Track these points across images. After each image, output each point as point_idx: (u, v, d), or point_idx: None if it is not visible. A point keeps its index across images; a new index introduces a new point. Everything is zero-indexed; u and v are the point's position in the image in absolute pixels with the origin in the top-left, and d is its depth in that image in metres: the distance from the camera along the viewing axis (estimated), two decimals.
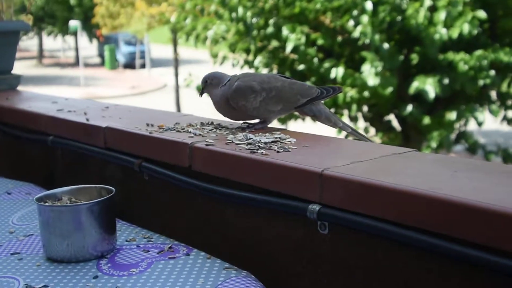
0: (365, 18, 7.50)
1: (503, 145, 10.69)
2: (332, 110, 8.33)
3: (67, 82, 26.97)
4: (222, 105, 1.95)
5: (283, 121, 8.71)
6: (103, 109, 2.51)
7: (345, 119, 8.66)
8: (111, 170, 2.21)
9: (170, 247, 1.67)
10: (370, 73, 7.49)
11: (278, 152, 1.61)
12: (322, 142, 1.78)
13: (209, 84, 1.97)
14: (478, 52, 7.37)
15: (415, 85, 7.46)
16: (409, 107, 7.95)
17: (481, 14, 7.16)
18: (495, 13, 7.98)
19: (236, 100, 1.89)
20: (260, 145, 1.67)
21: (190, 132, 1.90)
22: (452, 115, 7.87)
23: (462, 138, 9.13)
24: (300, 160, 1.51)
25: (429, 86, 7.30)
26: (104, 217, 1.63)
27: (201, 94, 2.05)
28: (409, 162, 1.51)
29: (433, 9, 7.47)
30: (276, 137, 1.75)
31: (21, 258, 1.64)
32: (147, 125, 2.05)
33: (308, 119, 7.89)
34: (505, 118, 9.00)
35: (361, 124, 9.22)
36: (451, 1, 7.20)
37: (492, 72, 7.47)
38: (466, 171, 1.40)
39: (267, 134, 1.81)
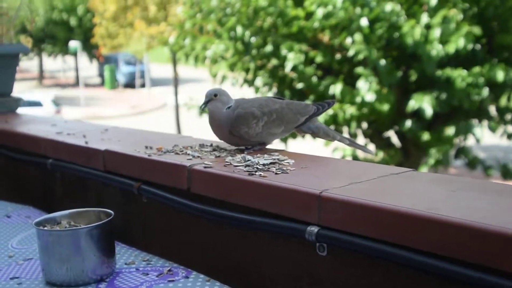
0: (358, 36, 7.53)
1: (502, 159, 10.70)
2: (332, 127, 8.34)
3: (68, 103, 27.02)
4: (224, 133, 1.92)
5: (284, 140, 8.72)
6: (102, 132, 2.51)
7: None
8: (110, 193, 2.21)
9: (169, 270, 1.67)
10: (365, 89, 7.52)
11: (276, 173, 1.61)
12: (321, 163, 1.79)
13: (217, 99, 1.90)
14: (476, 69, 7.40)
15: (412, 103, 7.49)
16: (408, 123, 7.96)
17: (476, 30, 7.20)
18: (492, 29, 8.02)
19: (238, 128, 1.88)
20: (259, 167, 1.67)
21: (188, 154, 1.90)
22: (451, 131, 7.89)
23: (461, 153, 9.14)
24: (299, 182, 1.51)
25: (427, 104, 7.33)
26: (103, 240, 1.63)
27: (203, 107, 1.93)
28: (407, 182, 1.51)
29: (428, 26, 7.51)
30: (274, 159, 1.75)
31: (21, 283, 1.64)
32: (146, 147, 2.06)
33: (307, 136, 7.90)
34: (504, 132, 9.01)
35: (360, 141, 9.23)
36: (445, 18, 7.23)
37: (486, 90, 7.48)
38: (464, 190, 1.40)
39: (265, 155, 1.81)
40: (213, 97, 1.91)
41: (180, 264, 1.73)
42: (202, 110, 1.98)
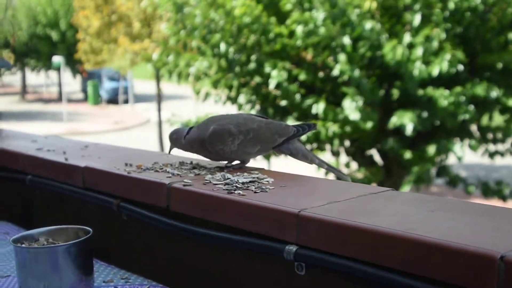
0: (342, 56, 7.56)
1: (484, 178, 10.75)
2: (315, 145, 8.37)
3: (50, 118, 26.90)
4: (195, 147, 1.95)
5: (267, 157, 8.72)
6: (83, 148, 2.51)
7: (328, 154, 8.69)
8: (90, 210, 2.20)
9: None
10: (351, 108, 7.53)
11: (255, 192, 1.61)
12: (300, 182, 1.79)
13: (174, 140, 2.00)
14: (457, 89, 7.45)
15: (394, 120, 7.52)
16: (391, 142, 7.99)
17: (460, 54, 7.25)
18: (474, 48, 8.08)
19: (213, 144, 1.88)
20: (238, 185, 1.67)
21: (168, 172, 1.90)
22: (432, 149, 7.92)
23: (443, 172, 9.18)
24: (277, 201, 1.51)
25: (408, 120, 7.36)
26: (81, 258, 1.62)
27: (170, 152, 2.08)
28: (386, 202, 1.51)
29: (410, 45, 7.56)
30: (254, 177, 1.75)
31: None
32: (126, 164, 2.05)
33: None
34: (486, 151, 9.06)
35: (343, 159, 9.25)
36: (428, 37, 7.29)
37: (471, 107, 7.54)
38: (443, 210, 1.41)
39: (245, 174, 1.81)
40: (172, 140, 2.01)
41: (159, 282, 1.73)
42: (169, 154, 2.12)
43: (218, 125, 1.90)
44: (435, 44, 7.24)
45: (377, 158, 9.23)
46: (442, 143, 7.94)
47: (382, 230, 1.26)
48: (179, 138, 1.97)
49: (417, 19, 7.49)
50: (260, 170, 1.90)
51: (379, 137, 8.35)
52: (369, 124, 7.69)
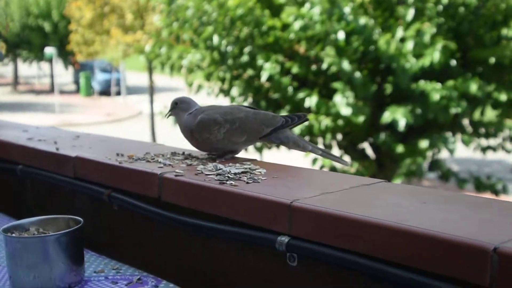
0: (330, 49, 7.55)
1: (476, 172, 10.78)
2: (307, 138, 8.36)
3: (42, 109, 26.82)
4: (186, 135, 1.96)
5: (259, 149, 8.72)
6: (74, 138, 2.49)
7: (320, 147, 8.67)
8: (81, 200, 2.19)
9: (138, 279, 1.65)
10: (342, 103, 7.53)
11: (247, 183, 1.60)
12: (292, 173, 1.78)
13: (178, 107, 1.98)
14: (450, 83, 7.46)
15: (386, 115, 7.53)
16: (383, 136, 8.00)
17: (452, 44, 7.26)
18: (467, 43, 8.09)
19: (200, 133, 1.89)
20: (230, 175, 1.67)
21: (160, 162, 1.89)
22: (425, 143, 7.93)
23: (435, 166, 9.20)
24: (269, 191, 1.51)
25: (400, 116, 7.36)
26: (71, 248, 1.61)
27: (167, 116, 2.05)
28: (378, 194, 1.51)
29: (402, 40, 7.56)
30: (246, 168, 1.75)
31: None
32: (117, 154, 2.04)
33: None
34: (478, 146, 9.09)
35: (335, 152, 9.25)
36: (419, 31, 7.29)
37: (464, 101, 7.56)
38: (435, 202, 1.40)
39: (237, 164, 1.81)
40: (174, 106, 1.99)
41: (150, 272, 1.72)
42: (166, 117, 2.08)
43: (205, 114, 1.91)
44: (426, 38, 7.25)
45: (369, 151, 9.24)
46: (434, 137, 7.95)
47: (374, 221, 1.26)
48: (183, 110, 1.97)
49: (410, 13, 7.49)
50: (253, 161, 1.90)
51: (372, 131, 8.36)
52: (361, 119, 7.68)
